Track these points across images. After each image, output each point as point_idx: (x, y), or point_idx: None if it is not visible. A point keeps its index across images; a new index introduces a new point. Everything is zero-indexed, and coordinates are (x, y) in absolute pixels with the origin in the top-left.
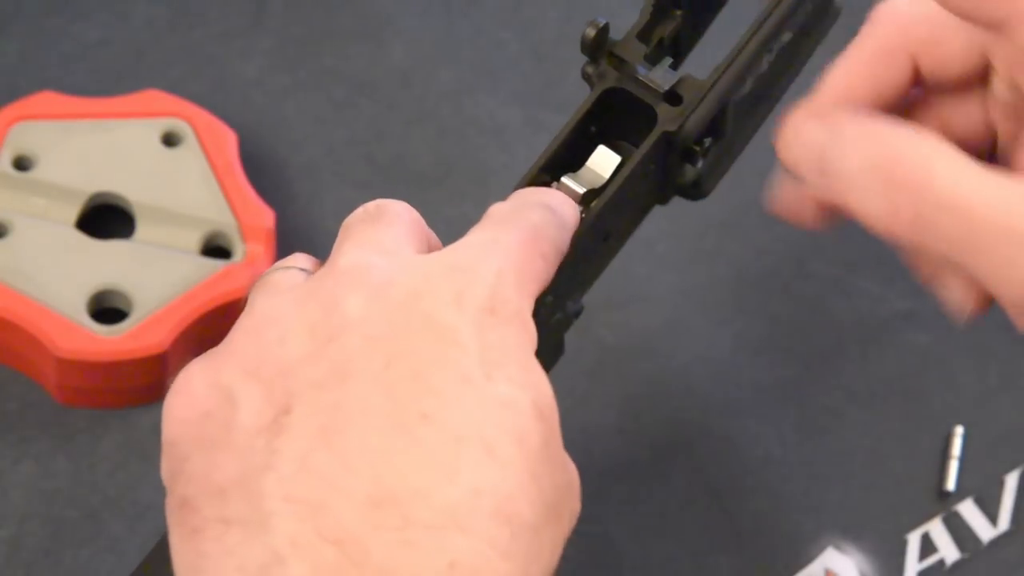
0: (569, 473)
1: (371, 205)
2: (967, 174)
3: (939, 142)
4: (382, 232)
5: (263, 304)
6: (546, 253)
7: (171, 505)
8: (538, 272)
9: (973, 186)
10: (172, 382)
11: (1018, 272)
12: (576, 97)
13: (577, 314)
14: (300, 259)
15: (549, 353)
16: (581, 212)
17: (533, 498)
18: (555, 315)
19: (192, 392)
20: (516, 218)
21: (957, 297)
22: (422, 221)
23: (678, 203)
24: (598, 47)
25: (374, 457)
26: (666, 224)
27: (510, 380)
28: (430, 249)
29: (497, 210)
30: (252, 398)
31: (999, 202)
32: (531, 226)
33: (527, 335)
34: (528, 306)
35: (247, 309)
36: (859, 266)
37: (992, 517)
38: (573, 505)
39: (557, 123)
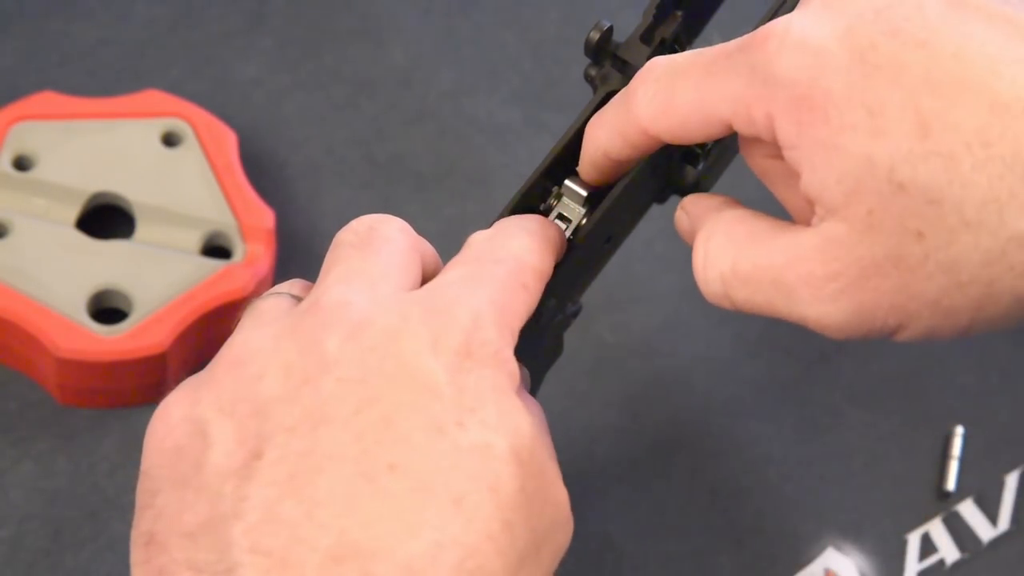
0: (554, 509)
1: (364, 225)
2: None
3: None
4: (370, 261)
5: (247, 336)
6: (528, 283)
7: (137, 539)
8: (520, 304)
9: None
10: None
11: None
12: (576, 97)
13: (575, 314)
14: (296, 285)
15: (549, 353)
16: (583, 216)
17: (503, 548)
18: (556, 316)
19: (169, 422)
20: (496, 249)
21: None
22: (416, 241)
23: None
24: (601, 49)
25: (340, 509)
26: (666, 224)
27: (485, 425)
28: (424, 265)
29: (477, 241)
30: (224, 437)
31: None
32: (511, 256)
33: (506, 375)
34: (509, 344)
35: (233, 336)
36: None
37: (992, 517)
38: (559, 540)
39: (557, 123)
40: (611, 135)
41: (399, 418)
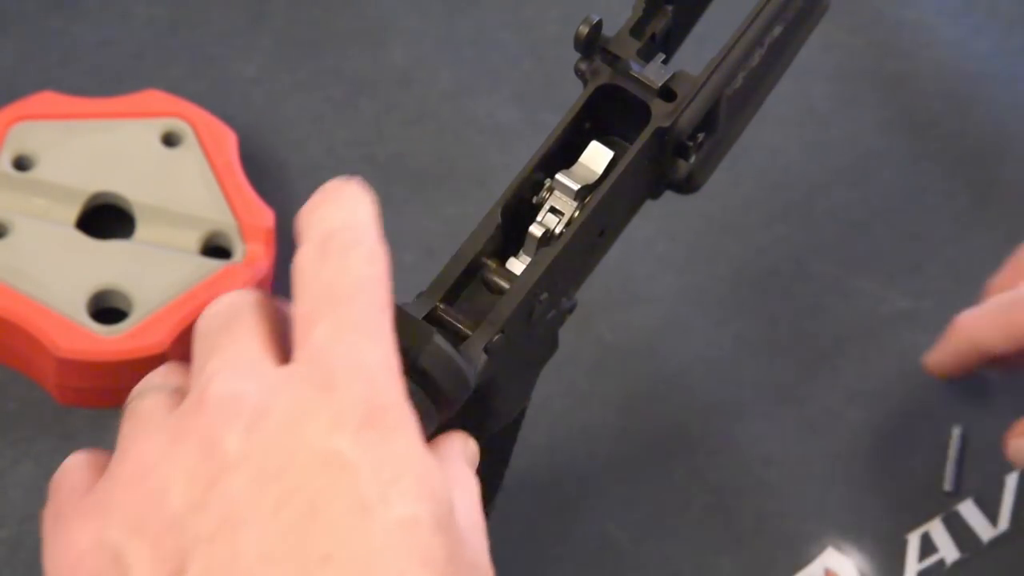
0: (479, 572)
1: (222, 307)
2: None
3: None
4: (242, 343)
5: (138, 448)
6: (384, 302)
7: None
8: (390, 328)
9: None
10: (49, 532)
11: None
12: (576, 97)
13: (571, 310)
14: (171, 374)
15: (542, 350)
16: (575, 209)
17: None
18: (550, 312)
19: (77, 550)
20: (340, 279)
21: None
22: (273, 307)
23: (678, 203)
24: (591, 43)
25: None
26: (666, 224)
27: (406, 495)
28: (286, 322)
29: (309, 271)
30: (142, 559)
31: None
32: (358, 281)
33: (413, 435)
34: (403, 392)
35: (120, 450)
36: (859, 266)
37: (992, 517)
38: None
39: (557, 123)
40: (993, 331)
41: (322, 505)
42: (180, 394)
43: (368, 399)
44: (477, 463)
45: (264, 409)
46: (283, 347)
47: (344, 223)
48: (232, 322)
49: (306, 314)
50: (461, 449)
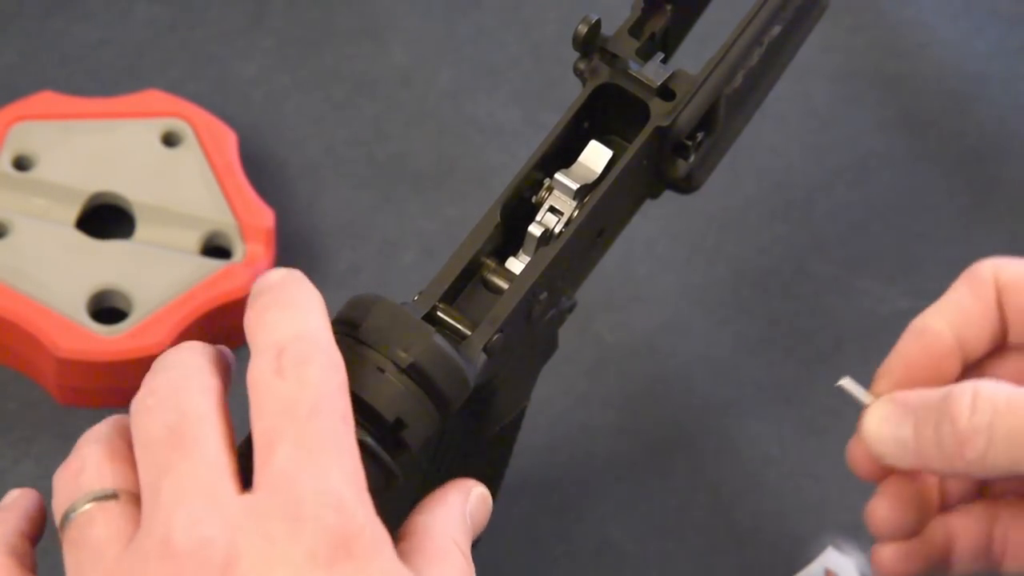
0: None
1: (170, 414)
2: None
3: None
4: (197, 465)
5: None
6: (343, 412)
7: None
8: (352, 444)
9: None
10: None
11: None
12: (575, 97)
13: (570, 309)
14: (104, 472)
15: (542, 350)
16: (575, 209)
17: None
18: (549, 312)
19: None
20: (302, 394)
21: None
22: (220, 388)
23: (678, 203)
24: (590, 43)
25: None
26: (666, 224)
27: None
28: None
29: (268, 388)
30: None
31: None
32: (318, 396)
33: (387, 555)
34: (373, 511)
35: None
36: (859, 266)
37: None
38: None
39: (556, 122)
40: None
41: None
42: (125, 504)
43: (339, 527)
44: (486, 506)
45: (234, 554)
46: (231, 440)
47: (296, 333)
48: (181, 436)
49: (265, 432)
50: (445, 517)
